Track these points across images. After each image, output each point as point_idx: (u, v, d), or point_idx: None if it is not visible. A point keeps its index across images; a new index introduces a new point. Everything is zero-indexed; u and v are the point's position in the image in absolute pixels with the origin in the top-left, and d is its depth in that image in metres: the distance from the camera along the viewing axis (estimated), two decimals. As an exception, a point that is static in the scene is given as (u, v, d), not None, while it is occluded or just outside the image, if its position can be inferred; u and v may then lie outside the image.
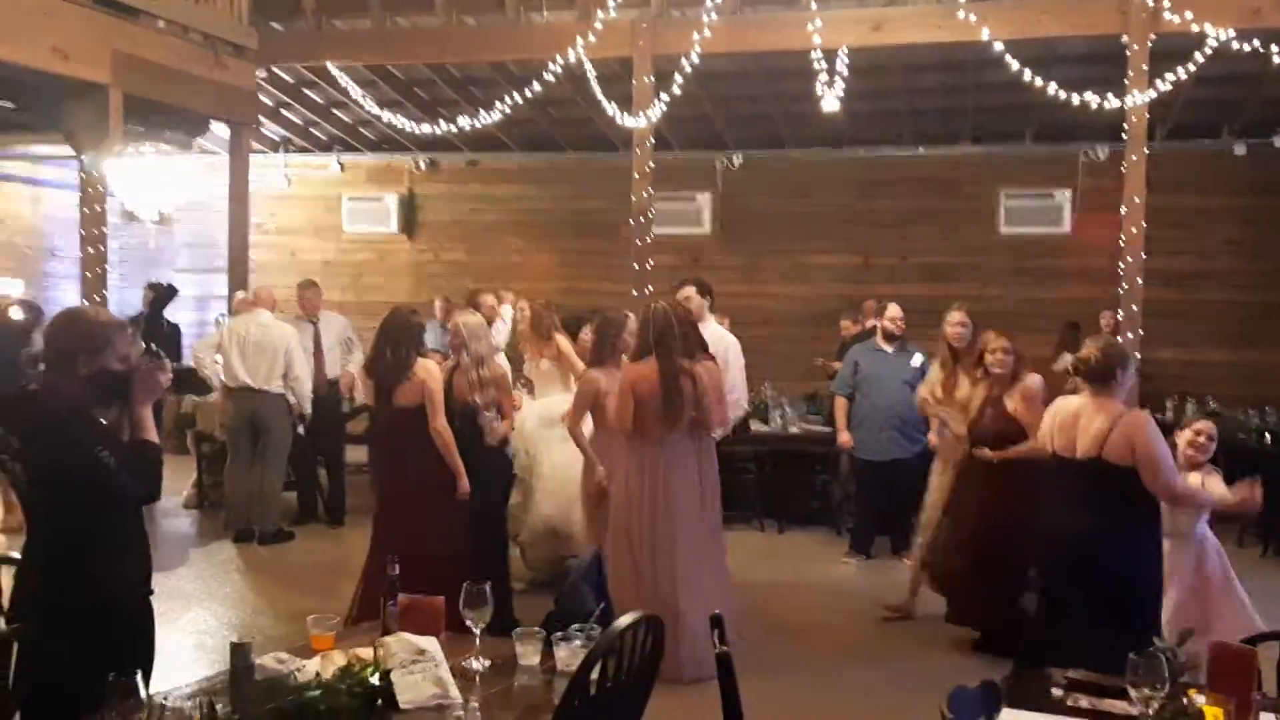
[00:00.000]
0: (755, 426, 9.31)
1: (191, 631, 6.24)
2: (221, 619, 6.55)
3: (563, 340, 7.34)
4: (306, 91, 11.94)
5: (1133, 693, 2.65)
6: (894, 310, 8.08)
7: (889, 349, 8.05)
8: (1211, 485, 4.99)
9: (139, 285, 11.98)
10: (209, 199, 12.21)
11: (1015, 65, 8.58)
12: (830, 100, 8.99)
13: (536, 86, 9.83)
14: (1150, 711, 2.63)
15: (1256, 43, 8.44)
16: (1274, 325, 10.91)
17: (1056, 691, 3.06)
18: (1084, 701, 2.99)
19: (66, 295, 12.80)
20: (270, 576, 7.59)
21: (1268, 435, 8.51)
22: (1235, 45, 8.37)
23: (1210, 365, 10.99)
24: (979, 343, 6.31)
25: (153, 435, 3.30)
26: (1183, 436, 5.00)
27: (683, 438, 5.62)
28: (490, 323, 7.68)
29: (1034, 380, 6.09)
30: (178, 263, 13.63)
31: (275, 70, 11.01)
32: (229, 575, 7.65)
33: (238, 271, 10.35)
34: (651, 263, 9.75)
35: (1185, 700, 2.71)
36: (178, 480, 9.36)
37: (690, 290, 6.79)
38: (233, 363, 8.36)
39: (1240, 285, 11.10)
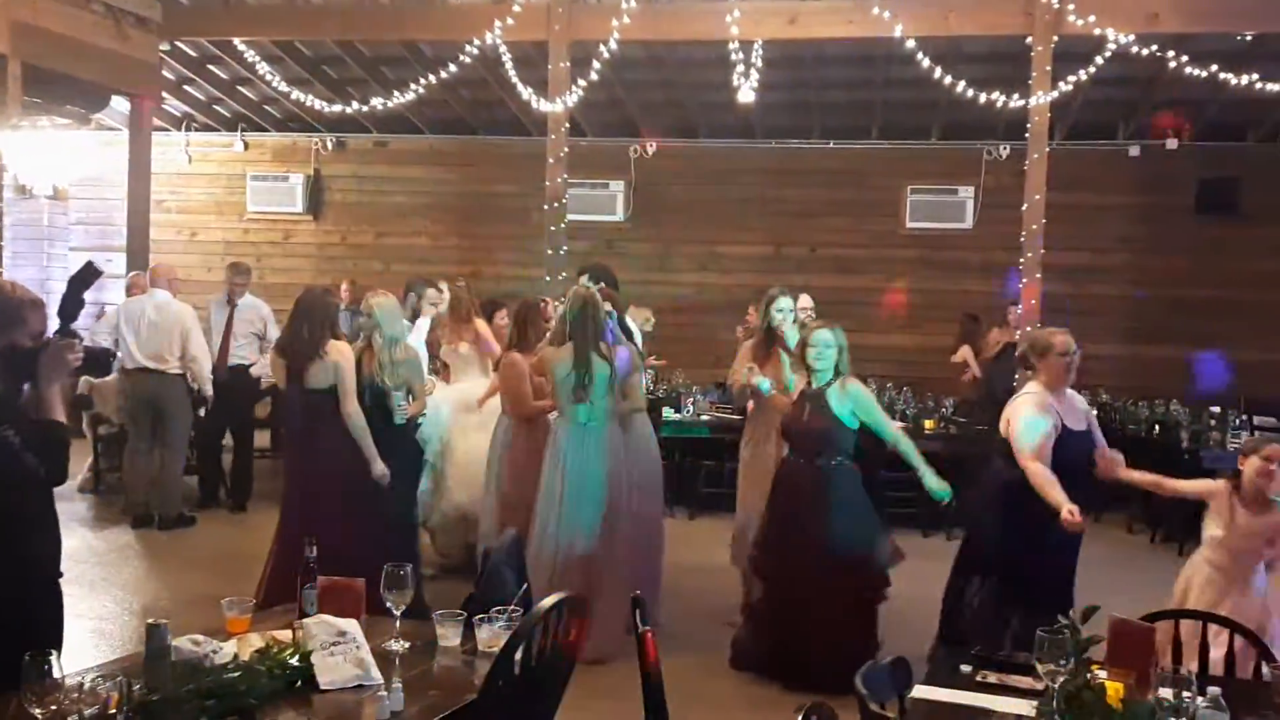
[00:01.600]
0: (666, 414, 9.37)
1: (92, 617, 6.07)
2: (122, 604, 6.39)
3: (482, 324, 7.29)
4: (211, 67, 11.65)
5: (1039, 668, 2.76)
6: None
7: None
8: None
9: (33, 263, 11.58)
10: (107, 175, 11.84)
11: (926, 62, 8.76)
12: (746, 91, 9.08)
13: (451, 68, 9.73)
14: (1056, 686, 2.73)
15: (1154, 47, 8.76)
16: (1163, 320, 11.34)
17: (966, 668, 3.17)
18: (992, 677, 3.10)
19: (-48, 271, 12.29)
20: (171, 561, 7.42)
21: (1157, 426, 8.85)
22: (1134, 49, 8.67)
23: (1103, 359, 11.34)
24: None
25: (60, 415, 3.20)
26: (1250, 464, 4.39)
27: (590, 419, 5.67)
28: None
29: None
30: (72, 240, 13.16)
31: (179, 44, 10.72)
32: (129, 560, 7.46)
33: (137, 250, 10.07)
34: (565, 249, 9.74)
35: (1089, 675, 2.83)
36: (73, 463, 9.05)
37: (585, 279, 6.77)
38: (128, 344, 8.13)
39: (1132, 281, 11.51)
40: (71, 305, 3.23)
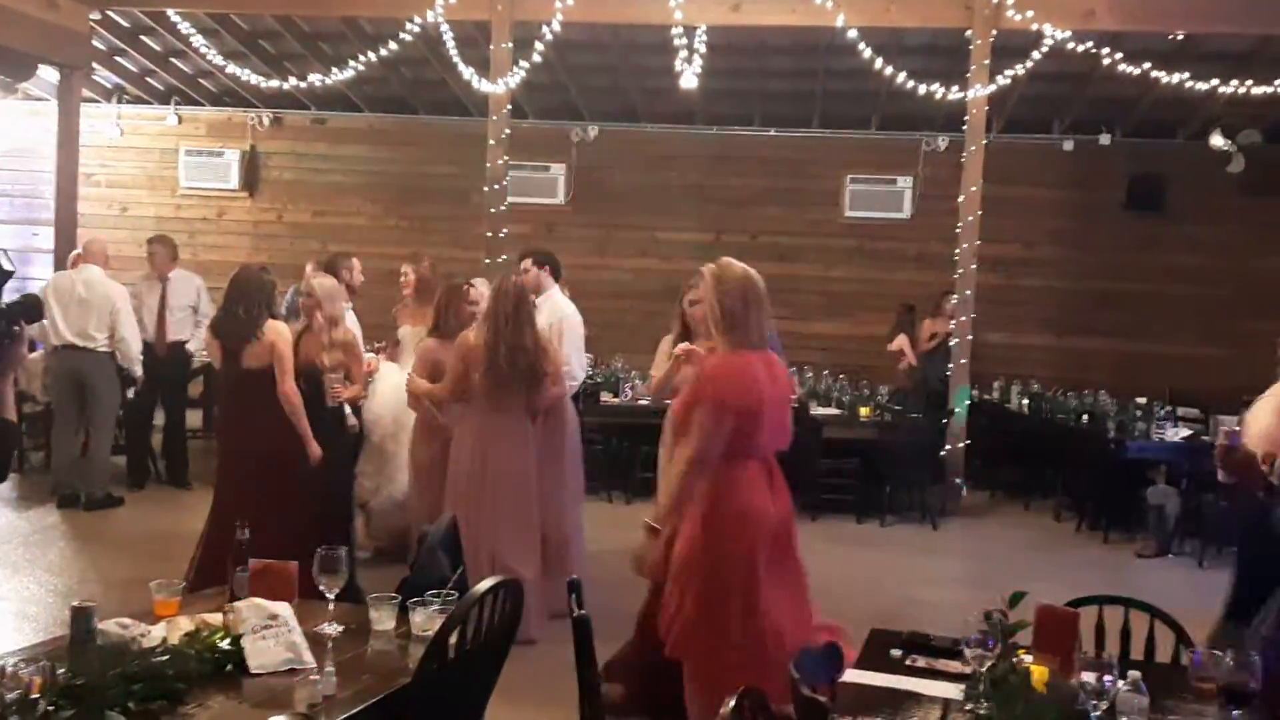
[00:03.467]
0: (605, 398, 9.38)
1: (15, 600, 5.95)
2: (46, 586, 6.26)
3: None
4: (143, 38, 11.39)
5: (966, 652, 2.81)
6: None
7: None
8: None
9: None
10: (34, 146, 11.54)
11: (867, 53, 8.83)
12: (688, 77, 9.08)
13: (392, 46, 9.61)
14: (982, 670, 2.79)
15: (1090, 43, 8.92)
16: (1092, 313, 11.58)
17: (895, 652, 3.22)
18: (921, 661, 3.16)
19: None
20: (98, 543, 7.29)
21: (1085, 417, 9.04)
22: (1070, 45, 8.81)
23: (1034, 349, 11.61)
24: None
25: (10, 413, 3.11)
26: None
27: (516, 408, 5.64)
28: None
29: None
30: (-4, 212, 12.84)
31: (110, 14, 10.45)
32: (53, 542, 7.30)
33: (64, 224, 9.83)
34: (505, 231, 9.69)
35: (1014, 660, 2.89)
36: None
37: (528, 263, 6.74)
38: (56, 320, 7.95)
39: (1063, 274, 11.73)
40: None
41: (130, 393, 8.51)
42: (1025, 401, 10.01)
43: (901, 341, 10.49)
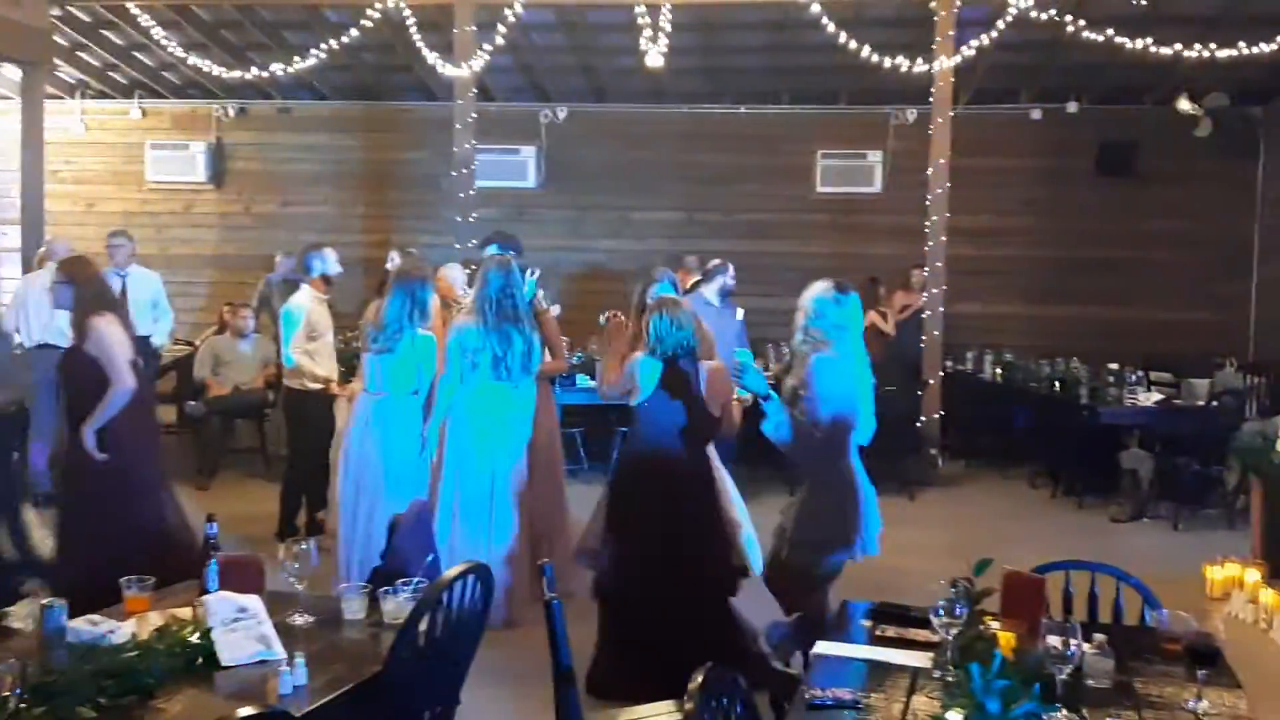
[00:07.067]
0: (581, 380, 9.35)
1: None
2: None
3: (435, 300, 6.71)
4: (105, 32, 11.25)
5: (934, 620, 2.83)
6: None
7: (718, 304, 8.22)
8: None
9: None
10: (-4, 145, 11.40)
11: (831, 27, 8.81)
12: (654, 55, 9.05)
13: (354, 32, 9.53)
14: (951, 637, 2.81)
15: (1053, 11, 8.92)
16: (1065, 281, 11.64)
17: (866, 623, 3.25)
18: (890, 631, 3.18)
19: None
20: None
21: (1057, 384, 9.09)
22: (1033, 14, 8.81)
23: (1008, 318, 11.65)
24: None
25: None
26: None
27: (509, 391, 5.64)
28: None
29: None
30: (-41, 212, 12.69)
31: (71, 9, 10.33)
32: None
33: (32, 222, 9.72)
34: (475, 216, 9.65)
35: (982, 627, 2.91)
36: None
37: (492, 250, 6.70)
38: (30, 319, 7.88)
39: (1035, 243, 11.77)
40: None
41: None
42: (999, 371, 10.06)
43: (873, 316, 10.51)
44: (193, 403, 9.22)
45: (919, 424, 9.21)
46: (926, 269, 9.52)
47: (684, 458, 4.59)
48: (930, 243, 9.39)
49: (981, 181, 11.17)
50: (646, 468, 4.65)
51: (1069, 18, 9.05)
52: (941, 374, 9.49)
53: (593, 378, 9.46)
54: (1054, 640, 2.61)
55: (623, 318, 5.45)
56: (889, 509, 8.41)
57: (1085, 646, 2.72)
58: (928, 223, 9.42)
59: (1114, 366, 9.21)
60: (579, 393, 9.14)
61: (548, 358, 5.99)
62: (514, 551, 5.55)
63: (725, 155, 12.08)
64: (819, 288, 4.37)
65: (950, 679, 2.73)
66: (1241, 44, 8.85)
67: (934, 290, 9.42)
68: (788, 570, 4.14)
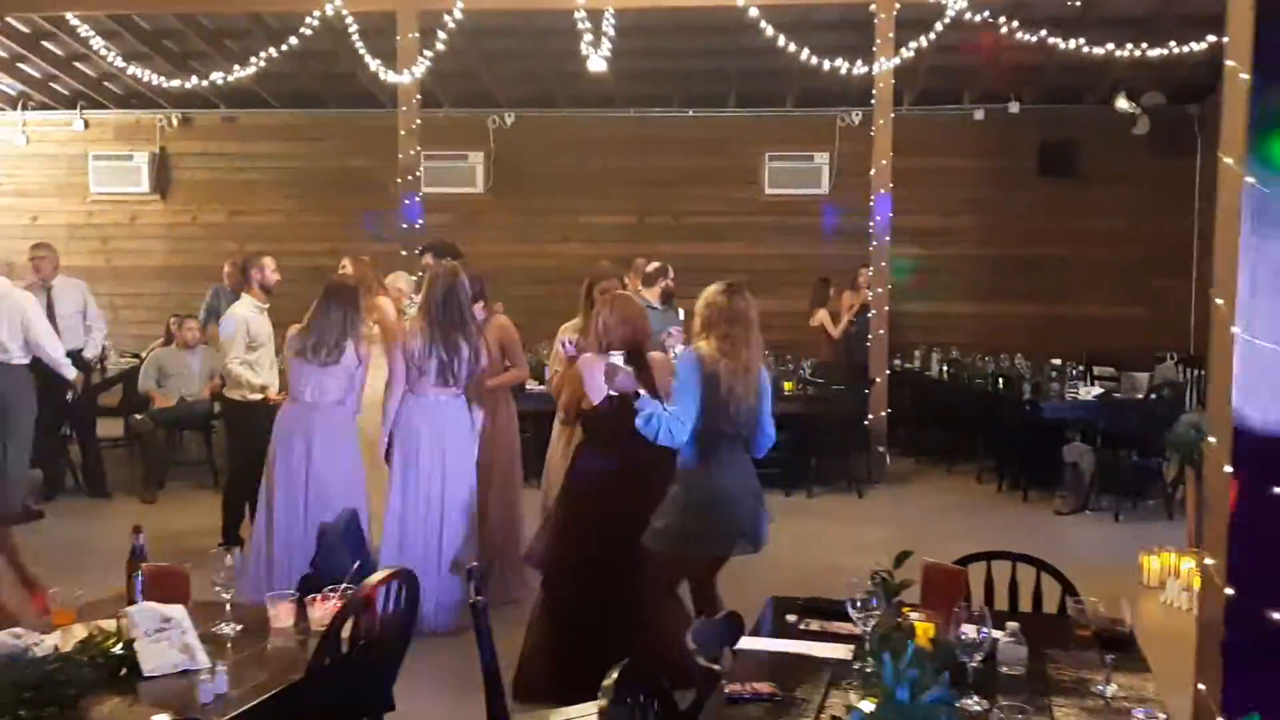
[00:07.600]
0: (530, 386, 9.35)
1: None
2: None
3: (385, 302, 6.62)
4: (45, 43, 11.16)
5: (853, 613, 2.88)
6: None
7: (660, 307, 8.25)
8: None
9: None
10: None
11: (770, 30, 8.87)
12: (596, 60, 9.05)
13: (294, 40, 9.48)
14: (869, 629, 2.86)
15: (987, 13, 9.04)
16: (1009, 279, 11.80)
17: (790, 617, 3.29)
18: (814, 624, 3.23)
19: None
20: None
21: (1001, 380, 9.21)
22: (968, 15, 8.93)
23: (953, 317, 11.80)
24: None
25: None
26: None
27: (456, 397, 5.64)
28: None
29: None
30: (-102, 226, 12.50)
31: (10, 20, 10.23)
32: (-32, 559, 7.15)
33: (-29, 236, 9.61)
34: (422, 222, 9.63)
35: (901, 618, 2.96)
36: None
37: (428, 257, 6.69)
38: None
39: (980, 242, 11.92)
40: None
41: (69, 396, 8.29)
42: (945, 369, 10.18)
43: (822, 316, 10.60)
44: (138, 416, 9.13)
45: (867, 422, 9.30)
46: (870, 269, 9.61)
47: (650, 454, 4.53)
48: (874, 243, 9.49)
49: (926, 182, 11.31)
50: (608, 467, 4.63)
51: (1002, 19, 9.18)
52: (889, 372, 9.59)
53: (541, 382, 9.48)
54: (967, 629, 2.67)
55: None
56: (838, 507, 8.66)
57: (998, 634, 2.78)
58: (870, 223, 9.51)
59: (1057, 362, 9.36)
60: (533, 395, 9.15)
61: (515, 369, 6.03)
62: (464, 559, 5.55)
63: (674, 159, 12.14)
64: (711, 287, 4.44)
65: (868, 670, 2.77)
66: (1173, 44, 9.02)
67: (879, 290, 9.51)
68: (653, 558, 4.23)
